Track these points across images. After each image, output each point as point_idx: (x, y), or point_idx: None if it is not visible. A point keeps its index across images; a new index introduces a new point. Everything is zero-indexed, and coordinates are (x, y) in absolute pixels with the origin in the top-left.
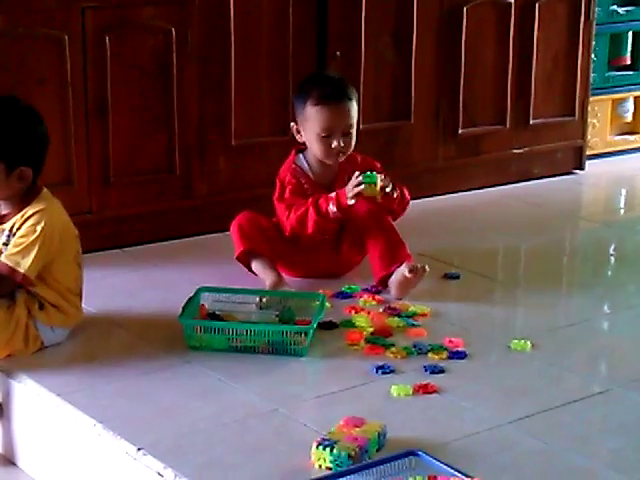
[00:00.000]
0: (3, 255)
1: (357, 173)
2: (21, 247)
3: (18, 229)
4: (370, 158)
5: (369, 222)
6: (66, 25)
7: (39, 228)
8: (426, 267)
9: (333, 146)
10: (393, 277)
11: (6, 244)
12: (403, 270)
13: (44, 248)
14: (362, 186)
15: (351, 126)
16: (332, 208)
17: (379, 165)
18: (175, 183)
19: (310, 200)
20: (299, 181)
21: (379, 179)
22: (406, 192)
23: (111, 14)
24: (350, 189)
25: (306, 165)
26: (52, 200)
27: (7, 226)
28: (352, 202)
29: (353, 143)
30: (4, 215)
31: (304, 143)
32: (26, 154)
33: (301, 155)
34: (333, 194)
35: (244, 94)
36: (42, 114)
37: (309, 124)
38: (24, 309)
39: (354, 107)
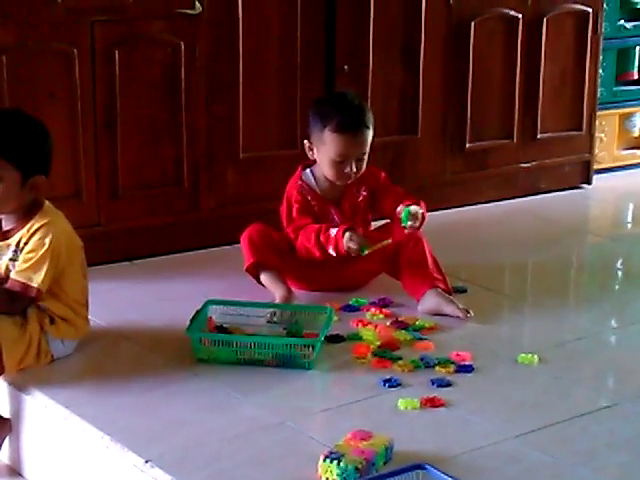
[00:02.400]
0: (13, 272)
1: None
2: (31, 262)
3: (25, 244)
4: (376, 169)
5: (405, 248)
6: (75, 39)
7: (47, 241)
8: (469, 313)
9: (346, 171)
10: (431, 299)
11: (13, 259)
12: (450, 309)
13: (54, 261)
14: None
15: (365, 152)
16: (332, 252)
17: (384, 175)
18: (183, 196)
19: (313, 238)
20: (305, 198)
21: (369, 249)
22: (424, 211)
23: (120, 28)
24: (345, 245)
25: (313, 181)
26: (56, 213)
27: (13, 241)
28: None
29: (364, 166)
30: (8, 231)
31: (315, 160)
32: (40, 163)
33: (308, 170)
34: (333, 233)
35: (252, 108)
36: (51, 127)
37: (324, 147)
38: (37, 325)
39: (370, 134)
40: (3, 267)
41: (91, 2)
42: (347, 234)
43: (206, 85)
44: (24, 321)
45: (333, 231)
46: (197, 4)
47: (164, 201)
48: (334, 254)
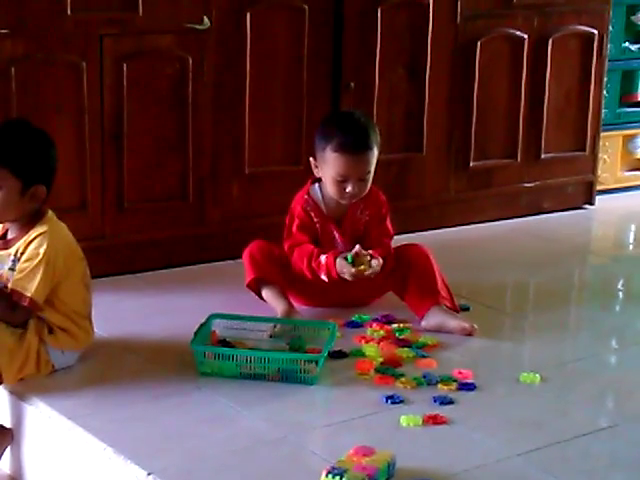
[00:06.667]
0: (10, 282)
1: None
2: (26, 272)
3: (22, 253)
4: (381, 199)
5: (413, 265)
6: (84, 52)
7: (42, 251)
8: (475, 327)
9: (347, 190)
10: (435, 315)
11: (12, 269)
12: (455, 323)
13: (49, 271)
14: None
15: (368, 172)
16: (324, 278)
17: (385, 208)
18: (188, 210)
19: (305, 261)
20: (309, 215)
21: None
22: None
23: (129, 42)
24: (340, 271)
25: (320, 197)
26: (55, 222)
27: (12, 250)
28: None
29: (368, 187)
30: (9, 240)
31: (320, 178)
32: (41, 173)
33: (317, 185)
34: (323, 260)
35: (258, 123)
36: (58, 139)
37: (326, 166)
38: (35, 335)
39: (374, 155)
40: (3, 277)
41: (100, 15)
42: (338, 262)
43: (213, 100)
44: (23, 331)
45: (323, 258)
46: (205, 19)
47: (169, 214)
48: (326, 279)
